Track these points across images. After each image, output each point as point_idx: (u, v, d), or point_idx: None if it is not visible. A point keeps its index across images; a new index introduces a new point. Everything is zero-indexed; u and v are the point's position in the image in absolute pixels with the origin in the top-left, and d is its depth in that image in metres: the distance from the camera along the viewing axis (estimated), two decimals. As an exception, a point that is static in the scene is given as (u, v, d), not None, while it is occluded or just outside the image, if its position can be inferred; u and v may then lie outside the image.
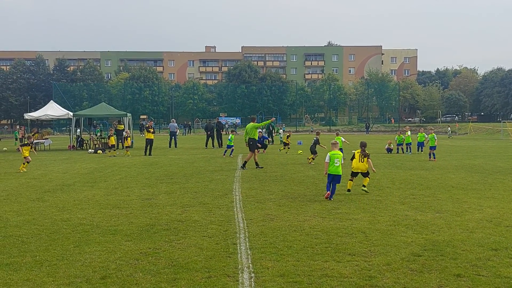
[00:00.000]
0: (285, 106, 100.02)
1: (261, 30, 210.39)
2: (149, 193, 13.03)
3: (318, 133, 24.56)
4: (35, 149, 33.28)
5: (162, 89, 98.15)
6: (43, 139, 35.88)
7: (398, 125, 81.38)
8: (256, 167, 19.25)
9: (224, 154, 25.52)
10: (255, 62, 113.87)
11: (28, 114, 38.18)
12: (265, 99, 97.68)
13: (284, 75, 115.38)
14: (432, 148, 23.39)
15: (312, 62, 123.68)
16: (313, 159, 21.49)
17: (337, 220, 9.42)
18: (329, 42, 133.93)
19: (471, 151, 30.90)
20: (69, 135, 40.19)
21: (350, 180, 13.06)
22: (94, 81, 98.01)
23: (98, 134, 38.03)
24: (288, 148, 28.53)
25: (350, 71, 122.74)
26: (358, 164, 12.90)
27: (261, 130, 32.53)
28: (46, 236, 8.25)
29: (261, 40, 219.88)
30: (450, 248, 7.36)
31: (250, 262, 6.71)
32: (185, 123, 77.51)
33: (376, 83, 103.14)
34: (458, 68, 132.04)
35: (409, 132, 28.83)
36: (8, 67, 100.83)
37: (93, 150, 30.40)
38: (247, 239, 7.94)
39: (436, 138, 23.65)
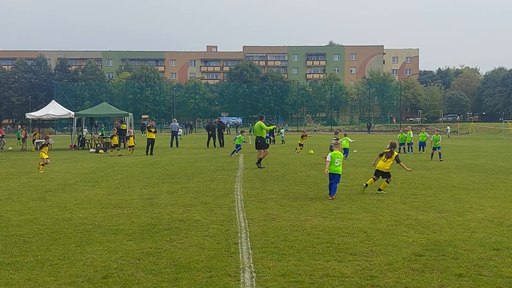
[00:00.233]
0: (286, 106, 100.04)
1: (262, 29, 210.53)
2: (151, 192, 13.04)
3: (336, 132, 24.35)
4: (36, 148, 33.42)
5: (163, 88, 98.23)
6: (45, 139, 35.86)
7: (399, 125, 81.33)
8: (258, 167, 19.26)
9: (231, 154, 25.41)
10: (257, 62, 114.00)
11: (30, 113, 38.20)
12: (266, 99, 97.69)
13: (286, 75, 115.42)
14: (436, 148, 23.35)
15: (314, 61, 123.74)
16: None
17: (339, 219, 9.42)
18: (330, 42, 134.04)
19: (473, 150, 30.87)
20: (71, 134, 40.23)
21: (372, 178, 13.09)
22: (96, 80, 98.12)
23: (100, 133, 38.06)
24: (301, 148, 28.05)
25: (351, 70, 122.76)
26: (380, 164, 12.99)
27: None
28: (47, 236, 8.25)
29: (262, 40, 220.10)
30: (451, 248, 7.35)
31: (251, 261, 6.71)
32: (187, 122, 77.55)
33: (378, 82, 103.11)
34: (460, 68, 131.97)
35: (411, 132, 28.79)
36: (9, 66, 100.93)
37: (94, 150, 30.43)
38: (248, 239, 7.94)
39: (439, 140, 23.66)
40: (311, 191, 13.15)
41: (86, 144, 35.41)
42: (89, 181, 15.61)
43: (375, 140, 45.83)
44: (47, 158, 18.96)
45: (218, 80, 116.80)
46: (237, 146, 25.89)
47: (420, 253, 7.12)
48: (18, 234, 8.37)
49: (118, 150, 27.62)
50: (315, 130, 78.33)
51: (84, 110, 45.35)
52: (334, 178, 12.07)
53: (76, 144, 35.18)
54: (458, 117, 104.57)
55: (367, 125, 77.63)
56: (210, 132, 33.96)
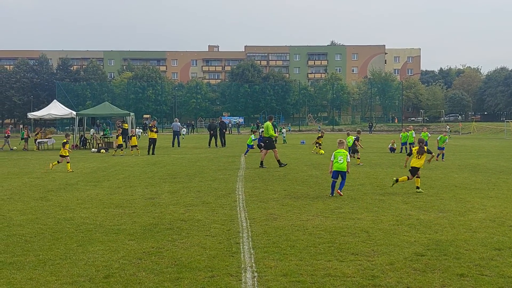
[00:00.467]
0: (288, 106, 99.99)
1: (264, 29, 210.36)
2: (152, 192, 13.05)
3: (359, 132, 24.23)
4: (38, 148, 33.50)
5: (165, 88, 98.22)
6: (47, 139, 35.94)
7: (401, 124, 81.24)
8: (260, 166, 19.27)
9: (245, 154, 25.48)
10: (258, 62, 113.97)
11: (32, 113, 38.28)
12: (268, 99, 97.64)
13: (287, 75, 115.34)
14: (442, 148, 23.31)
15: (315, 61, 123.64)
16: (358, 158, 21.06)
17: (340, 219, 9.41)
18: (332, 42, 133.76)
19: (475, 150, 30.84)
20: (72, 134, 40.27)
21: (407, 176, 13.15)
22: (97, 80, 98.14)
23: (102, 133, 38.05)
24: (320, 148, 27.66)
25: (353, 70, 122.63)
26: (415, 161, 13.10)
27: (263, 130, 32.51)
28: (49, 235, 8.26)
29: (264, 40, 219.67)
30: (453, 248, 7.35)
31: (253, 261, 6.71)
32: (188, 122, 77.58)
33: (379, 82, 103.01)
34: (462, 68, 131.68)
35: (413, 132, 28.73)
36: (11, 66, 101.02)
37: (96, 150, 30.45)
38: (250, 239, 7.94)
39: (446, 141, 23.68)
40: (313, 191, 13.15)
41: (87, 144, 35.45)
42: (90, 180, 15.63)
43: (376, 140, 45.83)
44: (68, 156, 18.99)
45: (219, 80, 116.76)
46: (249, 146, 26.04)
47: (422, 253, 7.11)
48: (20, 234, 8.38)
49: (122, 150, 27.64)
50: (319, 130, 78.32)
51: (86, 110, 45.41)
52: (340, 175, 12.37)
53: (78, 144, 35.21)
54: (459, 117, 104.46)
55: (369, 125, 77.60)
56: (212, 132, 33.97)
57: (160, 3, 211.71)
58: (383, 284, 5.85)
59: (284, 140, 41.06)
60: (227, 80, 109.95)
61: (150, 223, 9.17)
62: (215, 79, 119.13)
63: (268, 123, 19.94)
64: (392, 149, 28.27)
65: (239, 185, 14.21)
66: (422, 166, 13.24)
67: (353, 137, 23.48)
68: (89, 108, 61.29)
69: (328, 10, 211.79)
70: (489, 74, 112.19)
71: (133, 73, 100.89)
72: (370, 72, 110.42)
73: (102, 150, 29.99)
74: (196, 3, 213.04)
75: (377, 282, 5.91)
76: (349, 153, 20.88)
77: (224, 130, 35.02)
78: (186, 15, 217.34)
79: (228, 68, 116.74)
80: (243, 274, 6.21)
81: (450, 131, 61.21)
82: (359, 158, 21.08)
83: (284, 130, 44.98)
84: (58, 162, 18.86)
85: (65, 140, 19.53)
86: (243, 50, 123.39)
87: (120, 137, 27.95)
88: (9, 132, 36.63)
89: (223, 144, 33.77)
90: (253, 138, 27.23)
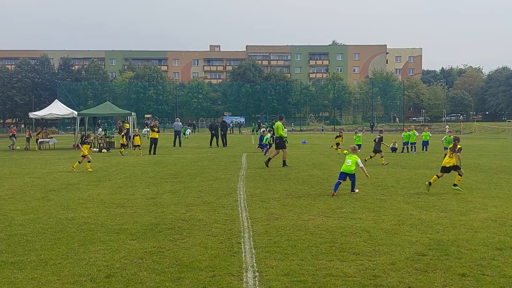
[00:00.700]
0: (289, 105, 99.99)
1: (265, 29, 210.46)
2: (154, 192, 13.05)
3: (381, 131, 24.16)
4: (39, 148, 33.52)
5: (166, 88, 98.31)
6: (48, 138, 35.96)
7: (402, 124, 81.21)
8: (266, 165, 19.24)
9: (265, 153, 25.76)
10: (260, 61, 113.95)
11: (33, 113, 38.26)
12: (269, 98, 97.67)
13: (289, 74, 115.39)
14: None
15: (317, 61, 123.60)
16: (382, 157, 20.88)
17: (342, 219, 9.41)
18: (333, 41, 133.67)
19: (476, 150, 30.80)
20: (74, 134, 40.28)
21: (437, 175, 13.10)
22: (99, 80, 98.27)
23: (104, 133, 38.04)
24: (340, 148, 27.46)
25: (354, 70, 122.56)
26: (447, 159, 13.08)
27: (265, 130, 32.51)
28: (50, 235, 8.27)
29: (265, 39, 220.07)
30: (454, 248, 7.34)
31: (254, 261, 6.71)
32: (190, 122, 77.57)
33: (381, 82, 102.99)
34: (463, 67, 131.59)
35: (415, 132, 28.74)
36: (13, 66, 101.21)
37: (97, 149, 30.46)
38: (251, 238, 7.94)
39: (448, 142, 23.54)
40: (314, 191, 13.14)
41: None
42: (92, 180, 15.63)
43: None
44: (88, 155, 19.00)
45: (221, 80, 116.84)
46: (265, 145, 26.20)
47: (423, 252, 7.11)
48: (21, 234, 8.39)
49: (125, 149, 27.70)
50: (322, 130, 78.36)
51: (87, 110, 45.39)
52: (348, 176, 12.59)
53: (79, 143, 35.18)
54: (461, 116, 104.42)
55: (370, 125, 77.64)
56: (213, 132, 33.96)
57: (162, 3, 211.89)
58: (384, 284, 5.85)
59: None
60: (228, 80, 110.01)
61: (152, 222, 9.18)
62: (217, 78, 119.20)
63: (279, 123, 19.97)
64: (394, 149, 28.24)
65: (240, 185, 14.21)
66: (454, 164, 12.97)
67: (360, 135, 23.58)
68: (90, 108, 61.29)
69: (329, 10, 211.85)
70: (490, 74, 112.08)
71: (135, 73, 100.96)
72: (371, 72, 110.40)
73: (103, 150, 30.01)
74: (197, 3, 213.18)
75: (379, 282, 5.91)
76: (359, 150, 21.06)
77: (225, 130, 34.97)
78: (187, 15, 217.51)
79: (229, 68, 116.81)
80: (245, 273, 6.21)
81: (449, 131, 61.24)
82: (382, 157, 20.90)
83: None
84: (79, 162, 18.86)
85: (86, 140, 19.67)
86: (245, 50, 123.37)
87: (125, 137, 27.99)
88: (14, 131, 36.67)
89: (224, 144, 33.77)
90: (270, 136, 27.44)
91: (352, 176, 12.65)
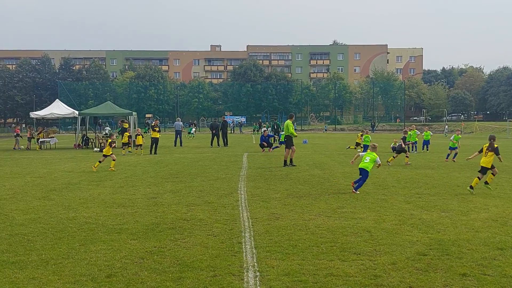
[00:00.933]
0: (290, 105, 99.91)
1: (266, 29, 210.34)
2: (155, 191, 13.05)
3: (405, 132, 23.93)
4: (40, 148, 33.55)
5: (167, 88, 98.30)
6: (49, 138, 35.99)
7: (403, 124, 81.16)
8: (285, 165, 19.23)
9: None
10: (260, 61, 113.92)
11: (34, 112, 38.28)
12: (270, 98, 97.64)
13: (290, 74, 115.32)
14: (454, 148, 22.91)
15: (318, 61, 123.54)
16: (407, 157, 20.77)
17: (342, 219, 9.41)
18: (334, 41, 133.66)
19: (477, 150, 30.68)
20: (75, 134, 40.30)
21: (477, 177, 12.94)
22: (100, 80, 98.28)
23: (105, 133, 38.08)
24: (361, 147, 27.43)
25: (355, 70, 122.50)
26: (483, 159, 13.05)
27: (266, 129, 32.50)
28: (51, 235, 8.27)
29: (266, 39, 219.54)
30: (455, 247, 7.34)
31: (255, 261, 6.71)
32: (190, 121, 77.58)
33: (382, 82, 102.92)
34: (464, 67, 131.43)
35: (416, 131, 28.69)
36: (14, 66, 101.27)
37: (98, 149, 30.46)
38: (252, 238, 7.94)
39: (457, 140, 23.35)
40: (315, 190, 13.14)
41: (90, 143, 35.48)
42: (93, 180, 15.64)
43: (378, 140, 45.73)
44: (113, 154, 18.98)
45: (221, 80, 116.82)
46: (281, 142, 26.68)
47: (424, 252, 7.11)
48: (22, 233, 8.39)
49: (125, 149, 27.67)
50: (325, 130, 78.31)
51: (88, 109, 45.40)
52: (361, 173, 12.74)
53: (80, 143, 35.24)
54: (462, 116, 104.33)
55: (371, 124, 77.63)
56: (214, 131, 33.95)
57: (162, 3, 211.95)
58: (385, 283, 5.85)
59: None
60: (229, 79, 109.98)
61: (152, 222, 9.18)
62: (217, 78, 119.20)
63: (289, 122, 19.92)
64: (394, 149, 28.18)
65: (241, 185, 14.21)
66: (490, 165, 12.87)
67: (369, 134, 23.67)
68: (91, 107, 61.31)
69: (330, 10, 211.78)
70: (491, 73, 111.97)
71: (135, 73, 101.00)
72: (372, 72, 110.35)
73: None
74: (198, 3, 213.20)
75: (380, 281, 5.91)
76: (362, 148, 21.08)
77: (226, 130, 34.95)
78: (188, 15, 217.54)
79: (230, 68, 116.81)
80: (245, 273, 6.21)
81: (448, 130, 61.24)
82: (407, 157, 20.78)
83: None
84: (100, 161, 18.81)
85: (110, 140, 19.68)
86: (245, 50, 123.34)
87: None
88: (18, 130, 36.70)
89: (225, 143, 33.76)
90: (281, 134, 27.67)
91: (365, 174, 12.69)
